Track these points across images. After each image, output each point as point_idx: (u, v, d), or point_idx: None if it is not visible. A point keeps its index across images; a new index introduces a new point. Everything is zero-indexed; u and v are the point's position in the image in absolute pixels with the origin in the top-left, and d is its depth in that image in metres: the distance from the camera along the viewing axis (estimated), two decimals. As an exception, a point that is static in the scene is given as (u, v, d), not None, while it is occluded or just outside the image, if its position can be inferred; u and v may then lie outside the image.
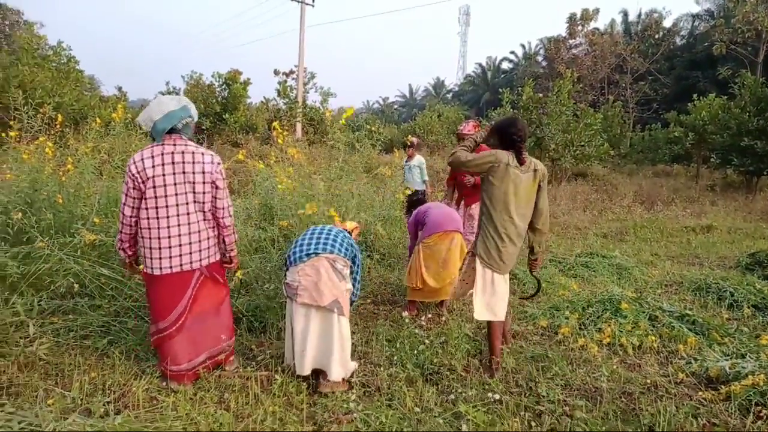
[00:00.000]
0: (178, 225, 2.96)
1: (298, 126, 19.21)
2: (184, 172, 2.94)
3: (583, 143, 14.49)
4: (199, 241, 3.05)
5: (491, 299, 3.39)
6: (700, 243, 8.62)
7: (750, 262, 6.62)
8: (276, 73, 20.40)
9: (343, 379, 3.15)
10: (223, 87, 19.36)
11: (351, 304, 3.36)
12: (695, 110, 17.61)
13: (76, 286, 3.57)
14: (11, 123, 4.68)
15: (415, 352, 3.58)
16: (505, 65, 50.55)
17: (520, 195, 3.32)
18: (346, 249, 3.26)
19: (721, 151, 15.73)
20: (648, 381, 3.31)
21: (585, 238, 8.88)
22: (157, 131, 2.93)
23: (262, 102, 21.13)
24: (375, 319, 4.36)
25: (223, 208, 3.09)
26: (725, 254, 7.67)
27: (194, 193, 2.98)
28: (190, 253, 3.02)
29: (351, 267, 3.33)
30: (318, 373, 3.17)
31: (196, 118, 3.17)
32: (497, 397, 3.04)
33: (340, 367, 3.10)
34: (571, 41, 30.51)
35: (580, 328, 4.19)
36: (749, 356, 3.47)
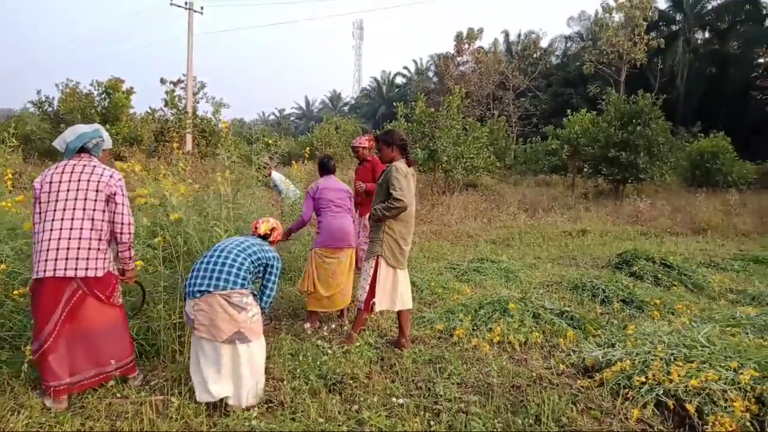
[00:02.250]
0: (60, 229, 3.00)
1: (189, 138, 18.39)
2: (79, 181, 3.06)
3: (472, 155, 15.35)
4: (78, 248, 2.99)
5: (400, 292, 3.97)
6: (576, 246, 9.50)
7: (618, 262, 7.43)
8: (162, 81, 19.37)
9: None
10: (103, 96, 18.08)
11: (265, 310, 3.33)
12: (569, 124, 19.40)
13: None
14: None
15: (318, 363, 3.61)
16: (399, 80, 52.34)
17: (413, 196, 3.88)
18: (244, 277, 3.06)
19: (592, 161, 17.47)
20: (534, 374, 3.60)
21: (476, 245, 9.41)
22: (68, 150, 3.14)
23: (147, 112, 19.96)
24: (277, 333, 4.31)
25: (122, 224, 3.14)
26: (598, 255, 8.53)
27: (85, 200, 3.04)
28: (66, 259, 2.96)
29: (267, 269, 3.29)
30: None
31: (109, 143, 3.36)
32: (400, 401, 3.15)
33: (252, 397, 3.07)
34: (459, 58, 32.29)
35: (473, 329, 4.45)
36: (618, 345, 3.89)
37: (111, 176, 3.13)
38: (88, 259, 3.01)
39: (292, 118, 65.08)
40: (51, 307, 2.97)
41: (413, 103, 15.96)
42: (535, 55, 34.20)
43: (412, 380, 3.51)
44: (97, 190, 3.06)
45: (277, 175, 7.82)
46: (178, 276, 3.87)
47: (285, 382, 3.37)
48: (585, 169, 18.56)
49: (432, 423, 2.94)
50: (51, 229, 2.98)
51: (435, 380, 3.46)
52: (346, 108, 59.10)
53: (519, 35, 38.14)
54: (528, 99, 31.41)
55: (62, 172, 3.07)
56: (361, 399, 3.19)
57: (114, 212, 3.11)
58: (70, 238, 2.98)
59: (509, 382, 3.47)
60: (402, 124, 15.24)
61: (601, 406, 3.10)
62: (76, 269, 2.97)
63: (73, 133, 3.18)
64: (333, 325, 4.52)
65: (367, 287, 3.95)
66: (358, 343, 3.89)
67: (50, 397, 2.97)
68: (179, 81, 19.61)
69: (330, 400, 3.16)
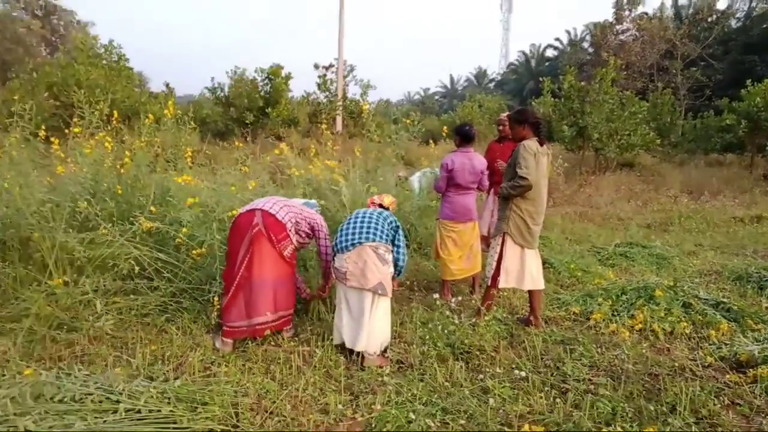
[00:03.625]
0: None
1: (338, 119, 19.52)
2: None
3: (628, 132, 14.14)
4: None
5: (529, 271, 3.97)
6: (747, 233, 8.39)
7: (800, 253, 6.45)
8: (316, 67, 20.71)
9: (383, 355, 3.46)
10: (266, 82, 19.82)
11: (398, 277, 3.75)
12: (749, 96, 16.81)
13: (136, 268, 3.92)
14: (75, 120, 5.11)
15: (447, 332, 3.77)
16: (550, 52, 49.39)
17: (543, 176, 3.85)
18: (387, 234, 3.53)
19: (777, 138, 15.02)
20: (675, 364, 3.38)
21: (627, 229, 8.80)
22: None
23: (303, 96, 21.51)
24: (409, 303, 4.56)
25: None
26: (774, 244, 7.46)
27: None
28: None
29: (396, 231, 3.65)
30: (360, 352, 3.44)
31: None
32: (524, 374, 3.19)
33: (380, 346, 3.46)
34: (618, 27, 29.51)
35: (612, 315, 4.26)
36: (782, 342, 3.47)
37: None
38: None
39: (436, 97, 65.00)
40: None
41: (562, 77, 15.10)
42: (710, 19, 29.93)
43: (541, 358, 3.50)
44: None
45: (416, 175, 7.94)
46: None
47: (415, 347, 3.59)
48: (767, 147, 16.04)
49: (557, 400, 2.94)
50: None
51: (564, 360, 3.42)
52: (491, 85, 57.48)
53: (691, -3, 33.65)
54: (700, 69, 27.61)
55: None
56: (487, 370, 3.29)
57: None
58: None
59: (646, 370, 3.30)
60: (548, 100, 14.55)
61: (752, 404, 2.83)
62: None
63: None
64: (460, 298, 4.66)
65: (494, 264, 4.00)
66: (486, 318, 3.98)
67: (221, 339, 3.54)
68: (330, 66, 20.79)
69: (456, 367, 3.31)
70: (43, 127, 4.69)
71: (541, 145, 3.89)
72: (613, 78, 14.14)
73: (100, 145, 4.78)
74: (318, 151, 6.35)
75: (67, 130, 5.20)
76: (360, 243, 3.41)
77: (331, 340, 3.61)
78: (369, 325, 3.38)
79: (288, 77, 19.67)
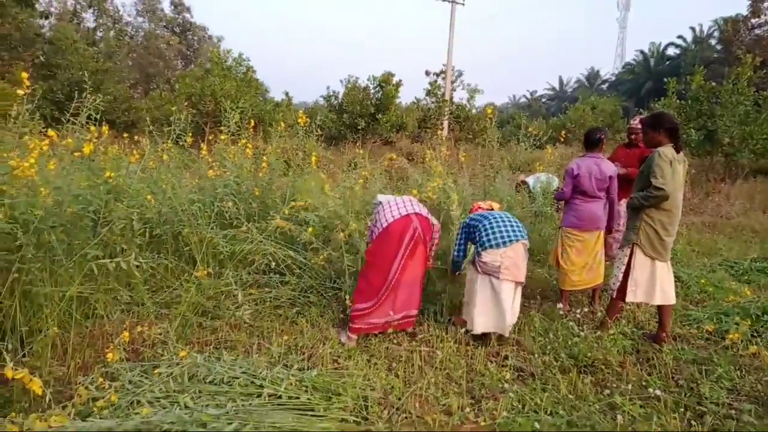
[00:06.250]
0: None
1: (446, 124, 19.60)
2: None
3: (765, 136, 12.79)
4: None
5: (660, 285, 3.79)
6: None
7: None
8: (427, 73, 21.04)
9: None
10: (377, 89, 20.43)
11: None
12: None
13: (273, 263, 4.27)
14: (221, 128, 5.65)
15: (569, 343, 3.69)
16: (671, 51, 45.80)
17: (680, 185, 3.68)
18: (525, 232, 3.92)
19: None
20: (834, 395, 3.06)
21: (763, 242, 7.99)
22: None
23: (413, 102, 21.93)
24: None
25: None
26: None
27: None
28: None
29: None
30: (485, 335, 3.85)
31: None
32: (657, 393, 3.05)
33: (512, 324, 3.83)
34: (753, 20, 26.71)
35: (752, 336, 3.94)
36: None
37: None
38: None
39: (543, 100, 62.90)
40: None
41: (688, 77, 13.99)
42: None
43: (672, 377, 3.34)
44: None
45: (531, 180, 7.80)
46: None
47: (536, 356, 3.57)
48: None
49: (693, 423, 2.79)
50: None
51: (699, 381, 3.23)
52: (604, 86, 54.44)
53: None
54: None
55: None
56: (614, 385, 3.19)
57: None
58: None
59: (796, 399, 3.03)
60: (673, 102, 13.53)
61: None
62: None
63: None
64: (585, 309, 4.50)
65: (621, 276, 3.85)
66: (612, 331, 3.85)
67: (347, 334, 3.76)
68: (441, 72, 20.96)
69: (581, 380, 3.25)
70: (190, 133, 5.23)
71: (678, 152, 3.69)
72: (749, 77, 12.87)
73: (241, 150, 5.25)
74: (432, 157, 6.46)
75: (211, 137, 5.77)
76: (517, 240, 3.74)
77: (452, 342, 3.70)
78: (512, 311, 3.74)
79: (398, 84, 20.12)
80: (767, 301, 4.51)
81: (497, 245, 3.71)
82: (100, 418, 2.49)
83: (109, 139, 5.61)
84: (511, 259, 3.68)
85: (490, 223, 3.85)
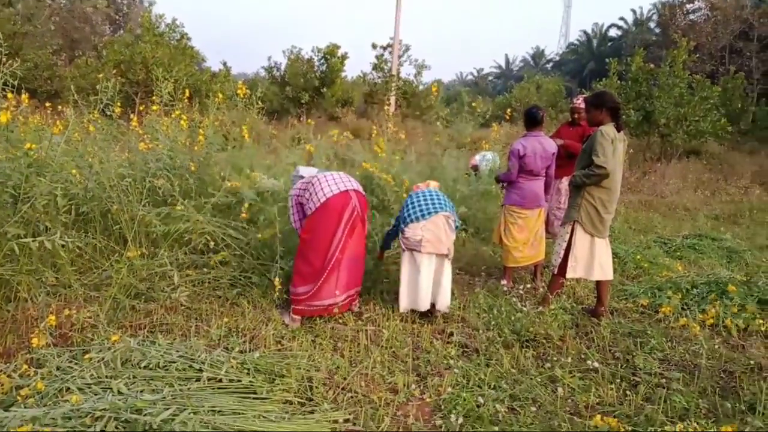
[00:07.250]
0: None
1: (392, 100, 19.46)
2: None
3: (697, 118, 13.41)
4: None
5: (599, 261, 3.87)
6: (830, 228, 7.87)
7: None
8: (374, 47, 20.62)
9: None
10: (322, 61, 19.93)
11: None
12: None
13: (212, 243, 4.08)
14: (153, 98, 5.30)
15: (512, 319, 3.74)
16: (613, 32, 47.20)
17: (620, 164, 3.74)
18: (451, 206, 3.93)
19: None
20: (751, 362, 3.24)
21: (694, 220, 8.43)
22: None
23: (359, 76, 21.51)
24: (471, 288, 4.55)
25: None
26: None
27: None
28: None
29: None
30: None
31: None
32: (595, 365, 3.14)
33: (446, 306, 3.82)
34: (688, 6, 27.81)
35: (682, 309, 4.12)
36: None
37: None
38: None
39: (490, 78, 63.56)
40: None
41: (628, 58, 14.40)
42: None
43: (609, 349, 3.44)
44: None
45: (477, 158, 7.76)
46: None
47: (480, 332, 3.59)
48: None
49: (628, 393, 2.88)
50: None
51: (634, 353, 3.34)
52: (549, 66, 55.61)
53: (773, -28, 31.22)
54: (778, 51, 25.79)
55: None
56: (554, 358, 3.25)
57: None
58: None
59: (720, 367, 3.19)
60: (614, 83, 13.93)
61: (844, 411, 2.68)
62: None
63: None
64: (527, 285, 4.58)
65: (562, 252, 3.92)
66: (552, 307, 3.92)
67: (290, 315, 3.66)
68: (388, 46, 20.67)
69: (523, 354, 3.29)
70: (119, 103, 4.87)
71: (619, 131, 3.75)
72: (684, 60, 13.40)
73: (175, 122, 4.95)
74: (378, 133, 6.35)
75: (142, 108, 5.42)
76: (436, 212, 3.73)
77: (398, 320, 3.67)
78: (444, 284, 3.75)
79: (344, 57, 19.70)
80: (696, 276, 4.73)
81: (416, 219, 3.73)
82: (25, 408, 2.29)
83: (30, 109, 5.18)
84: (431, 232, 3.69)
85: (413, 200, 3.90)
